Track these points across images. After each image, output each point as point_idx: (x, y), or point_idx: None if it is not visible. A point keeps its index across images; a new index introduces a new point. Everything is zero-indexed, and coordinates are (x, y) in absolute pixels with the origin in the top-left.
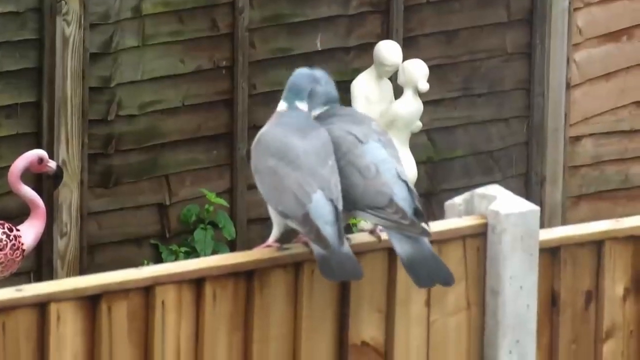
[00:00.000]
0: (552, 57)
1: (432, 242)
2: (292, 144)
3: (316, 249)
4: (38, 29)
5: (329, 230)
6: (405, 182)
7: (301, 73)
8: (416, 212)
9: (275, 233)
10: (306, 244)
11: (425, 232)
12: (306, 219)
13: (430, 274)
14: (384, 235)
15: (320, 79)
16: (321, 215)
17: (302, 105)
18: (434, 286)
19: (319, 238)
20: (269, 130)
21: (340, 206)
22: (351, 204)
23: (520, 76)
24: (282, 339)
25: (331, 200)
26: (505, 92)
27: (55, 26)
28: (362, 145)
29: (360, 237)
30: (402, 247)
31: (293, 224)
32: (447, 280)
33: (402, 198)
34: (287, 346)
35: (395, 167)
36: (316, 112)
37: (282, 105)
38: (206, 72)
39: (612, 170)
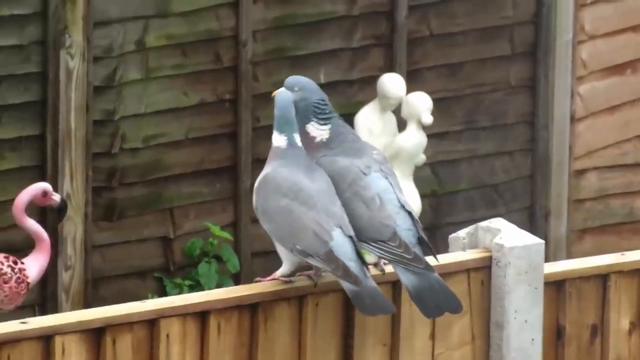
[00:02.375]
0: (556, 90)
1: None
2: (302, 183)
3: (347, 285)
4: (42, 62)
5: (353, 266)
6: (409, 212)
7: (285, 100)
8: (420, 241)
9: (283, 270)
10: (310, 278)
11: (429, 267)
12: (330, 256)
13: (437, 304)
14: (387, 268)
15: (293, 85)
16: (344, 252)
17: (298, 138)
18: (442, 315)
19: (348, 274)
20: (276, 171)
21: (356, 242)
22: (355, 235)
23: (524, 109)
24: None
25: (350, 237)
26: (509, 125)
27: (59, 59)
28: (365, 177)
29: None
30: (407, 279)
31: (314, 262)
32: (455, 308)
33: (406, 229)
34: None
35: (398, 197)
36: (323, 135)
37: (279, 140)
38: (209, 105)
39: (617, 204)
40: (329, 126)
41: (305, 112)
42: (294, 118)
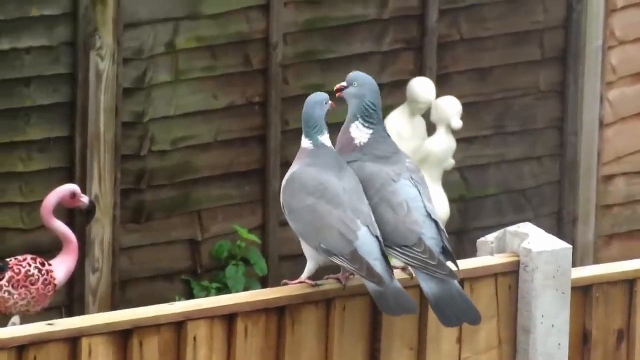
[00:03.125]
0: (585, 95)
1: (463, 280)
2: (330, 182)
3: (370, 285)
4: (71, 64)
5: (379, 266)
6: (435, 221)
7: (311, 101)
8: (445, 251)
9: (309, 269)
10: (338, 281)
11: (452, 274)
12: (355, 256)
13: (457, 314)
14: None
15: (353, 80)
16: (370, 252)
17: (325, 139)
18: (460, 325)
19: (372, 274)
20: (303, 170)
21: (383, 242)
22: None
23: (553, 115)
24: None
25: (376, 237)
26: (538, 130)
27: (89, 61)
28: (395, 184)
29: None
30: (429, 287)
31: (339, 261)
32: (474, 319)
33: (431, 237)
34: None
35: (426, 206)
36: (363, 138)
37: (306, 143)
38: (239, 108)
39: None
40: (371, 131)
41: (355, 110)
42: (321, 119)
